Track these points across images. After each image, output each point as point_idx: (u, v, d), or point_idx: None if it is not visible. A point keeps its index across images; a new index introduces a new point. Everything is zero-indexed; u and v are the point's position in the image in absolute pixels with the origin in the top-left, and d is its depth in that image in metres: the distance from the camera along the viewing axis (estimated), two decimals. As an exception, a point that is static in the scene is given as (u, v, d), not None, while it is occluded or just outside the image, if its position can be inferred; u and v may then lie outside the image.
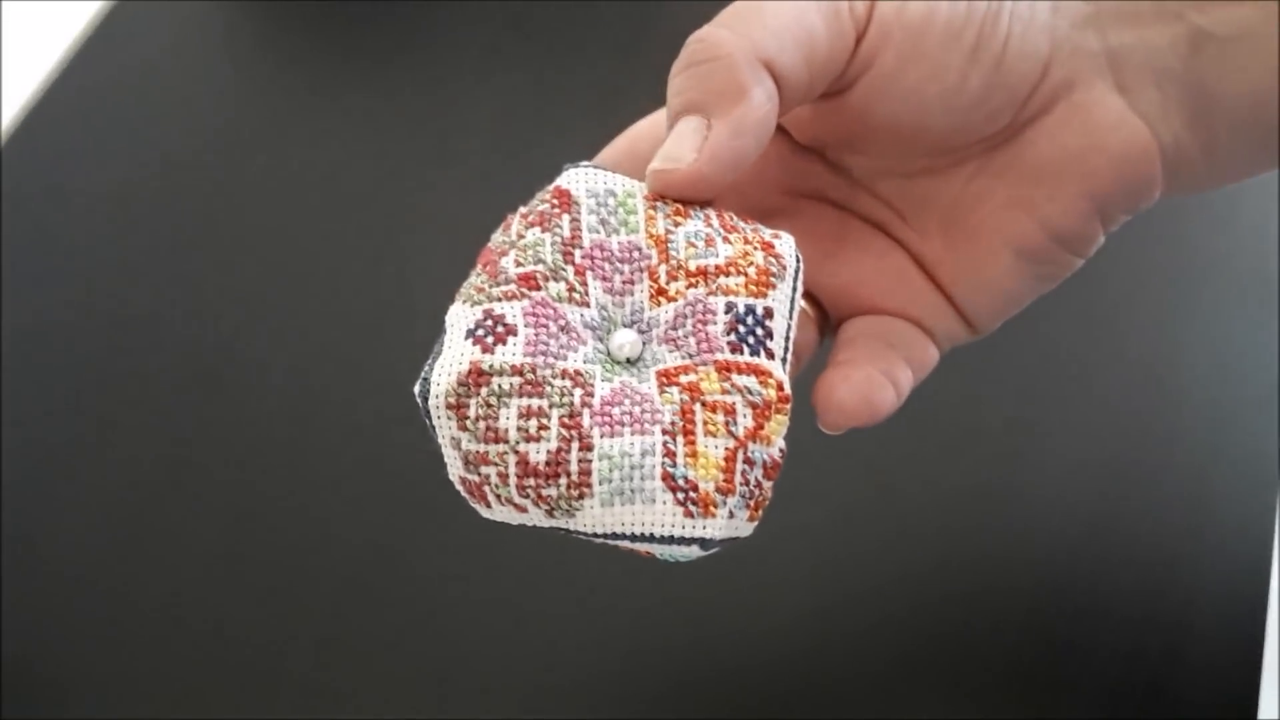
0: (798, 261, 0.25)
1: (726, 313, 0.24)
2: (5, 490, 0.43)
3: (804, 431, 0.26)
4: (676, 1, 0.56)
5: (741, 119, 0.24)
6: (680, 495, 0.22)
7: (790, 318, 0.25)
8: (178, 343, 0.47)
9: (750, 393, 0.23)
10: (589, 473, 0.22)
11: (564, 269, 0.24)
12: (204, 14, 0.59)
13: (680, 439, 0.22)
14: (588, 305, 0.24)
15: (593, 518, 0.22)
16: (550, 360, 0.23)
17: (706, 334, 0.23)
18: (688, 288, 0.24)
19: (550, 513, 0.22)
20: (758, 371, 0.23)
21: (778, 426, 0.23)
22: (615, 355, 0.24)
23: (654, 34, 0.56)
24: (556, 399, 0.22)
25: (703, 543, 0.22)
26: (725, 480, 0.22)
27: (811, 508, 0.41)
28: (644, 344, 0.24)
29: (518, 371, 0.22)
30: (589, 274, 0.24)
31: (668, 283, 0.24)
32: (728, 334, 0.23)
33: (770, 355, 0.24)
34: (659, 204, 0.25)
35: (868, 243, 0.29)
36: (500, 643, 0.39)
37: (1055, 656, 0.38)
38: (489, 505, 0.23)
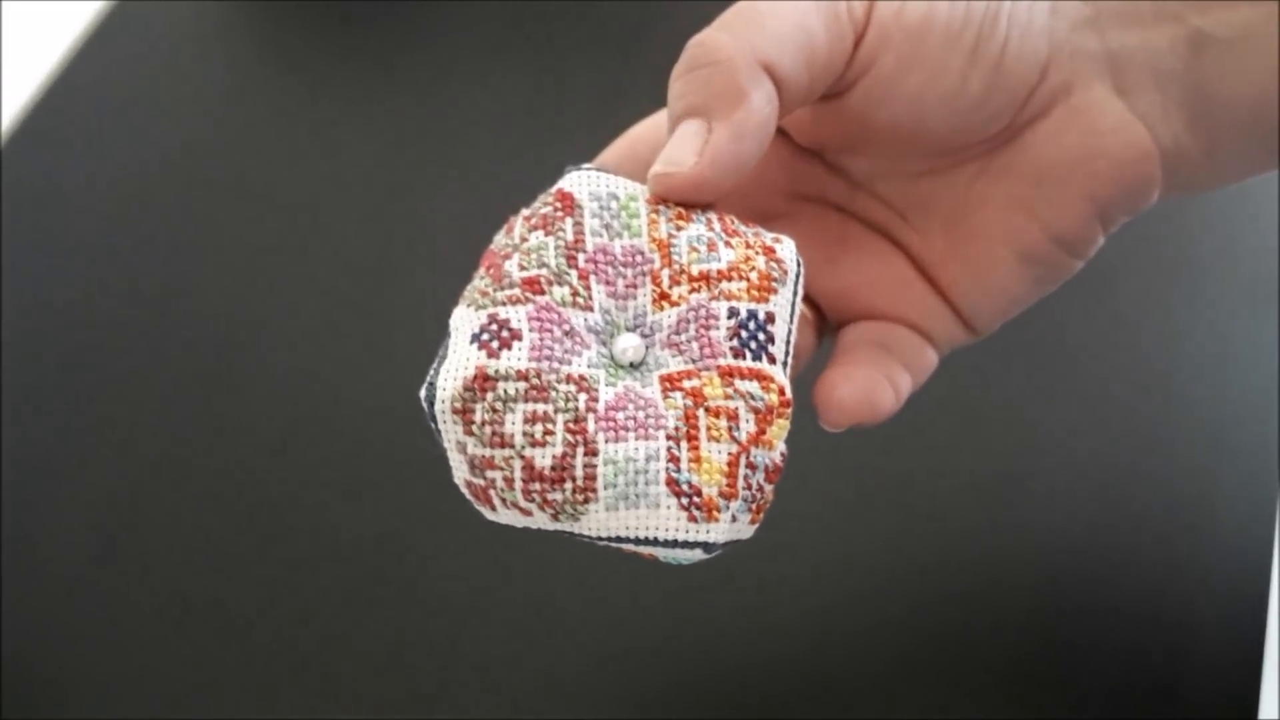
0: (798, 266, 0.25)
1: (729, 318, 0.24)
2: (5, 490, 0.43)
3: (805, 431, 0.26)
4: (676, 2, 0.56)
5: (742, 122, 0.24)
6: (684, 500, 0.22)
7: (791, 322, 0.25)
8: (178, 343, 0.47)
9: (753, 398, 0.23)
10: (594, 477, 0.22)
11: (567, 273, 0.24)
12: (204, 14, 0.59)
13: (684, 444, 0.23)
14: (591, 309, 0.24)
15: (597, 522, 0.22)
16: (555, 365, 0.23)
17: (709, 339, 0.24)
18: (690, 292, 0.24)
19: (555, 517, 0.23)
20: (760, 376, 0.23)
21: (779, 431, 0.23)
22: (619, 359, 0.24)
23: (654, 34, 0.56)
24: (561, 404, 0.22)
25: (706, 546, 0.23)
26: (728, 485, 0.23)
27: (812, 507, 0.41)
28: (647, 348, 0.24)
29: (523, 376, 0.22)
30: (592, 278, 0.24)
31: (670, 287, 0.24)
32: (730, 339, 0.24)
33: (772, 360, 0.24)
34: (661, 207, 0.25)
35: (868, 247, 0.30)
36: (502, 642, 0.39)
37: (1055, 656, 0.38)
38: (494, 508, 0.23)
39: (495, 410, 0.22)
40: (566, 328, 0.23)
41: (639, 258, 0.24)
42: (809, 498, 0.41)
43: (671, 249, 0.24)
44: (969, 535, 0.40)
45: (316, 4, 0.59)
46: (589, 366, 0.23)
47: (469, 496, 0.24)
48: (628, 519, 0.22)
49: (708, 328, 0.24)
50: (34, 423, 0.45)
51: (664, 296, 0.24)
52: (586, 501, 0.22)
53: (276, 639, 0.39)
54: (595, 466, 0.22)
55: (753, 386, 0.23)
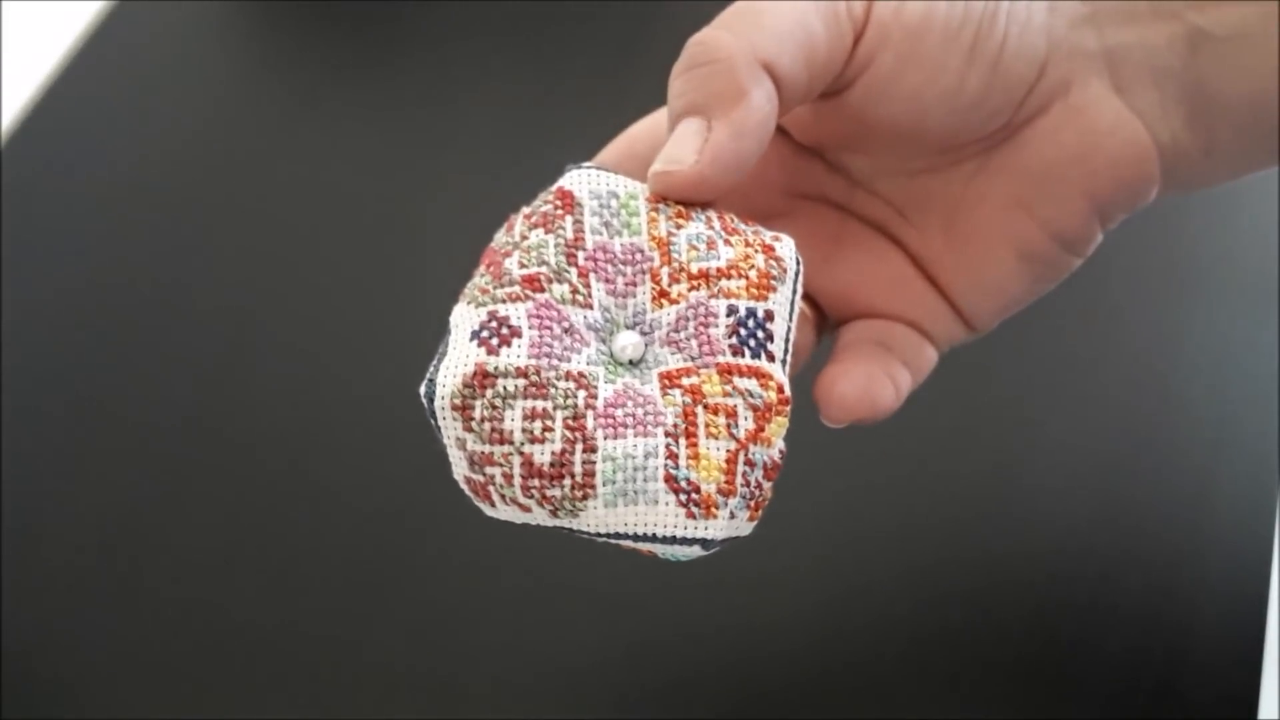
0: (798, 264, 0.25)
1: (728, 316, 0.24)
2: (5, 488, 0.43)
3: (805, 428, 0.26)
4: (676, 2, 0.56)
5: (742, 120, 0.24)
6: (682, 496, 0.22)
7: (790, 320, 0.25)
8: (178, 342, 0.47)
9: (751, 395, 0.23)
10: (593, 474, 0.22)
11: (567, 271, 0.24)
12: (204, 14, 0.59)
13: (683, 441, 0.23)
14: (591, 307, 0.24)
15: (596, 518, 0.23)
16: (554, 362, 0.23)
17: (708, 336, 0.24)
18: (690, 290, 0.24)
19: (554, 513, 0.23)
20: (759, 374, 0.23)
21: (778, 428, 0.23)
22: (618, 357, 0.24)
23: (654, 34, 0.56)
24: (560, 401, 0.23)
25: (704, 543, 0.23)
26: (727, 482, 0.23)
27: (814, 505, 0.41)
28: (646, 346, 0.24)
29: (522, 373, 0.23)
30: (592, 276, 0.24)
31: (670, 285, 0.24)
32: (729, 337, 0.24)
33: (771, 358, 0.24)
34: (661, 206, 0.25)
35: (867, 245, 0.30)
36: (502, 637, 0.39)
37: (1055, 655, 0.38)
38: (493, 505, 0.23)
39: (494, 407, 0.22)
40: (566, 325, 0.23)
41: (639, 255, 0.24)
42: (808, 495, 0.41)
43: (671, 247, 0.24)
44: (969, 533, 0.40)
45: (317, 4, 0.59)
46: (588, 364, 0.23)
47: (468, 493, 0.24)
48: (626, 515, 0.22)
49: (707, 325, 0.24)
50: (35, 421, 0.45)
51: (663, 294, 0.24)
52: (585, 498, 0.22)
53: (277, 639, 0.39)
54: (594, 463, 0.22)
55: (751, 384, 0.23)
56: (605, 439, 0.22)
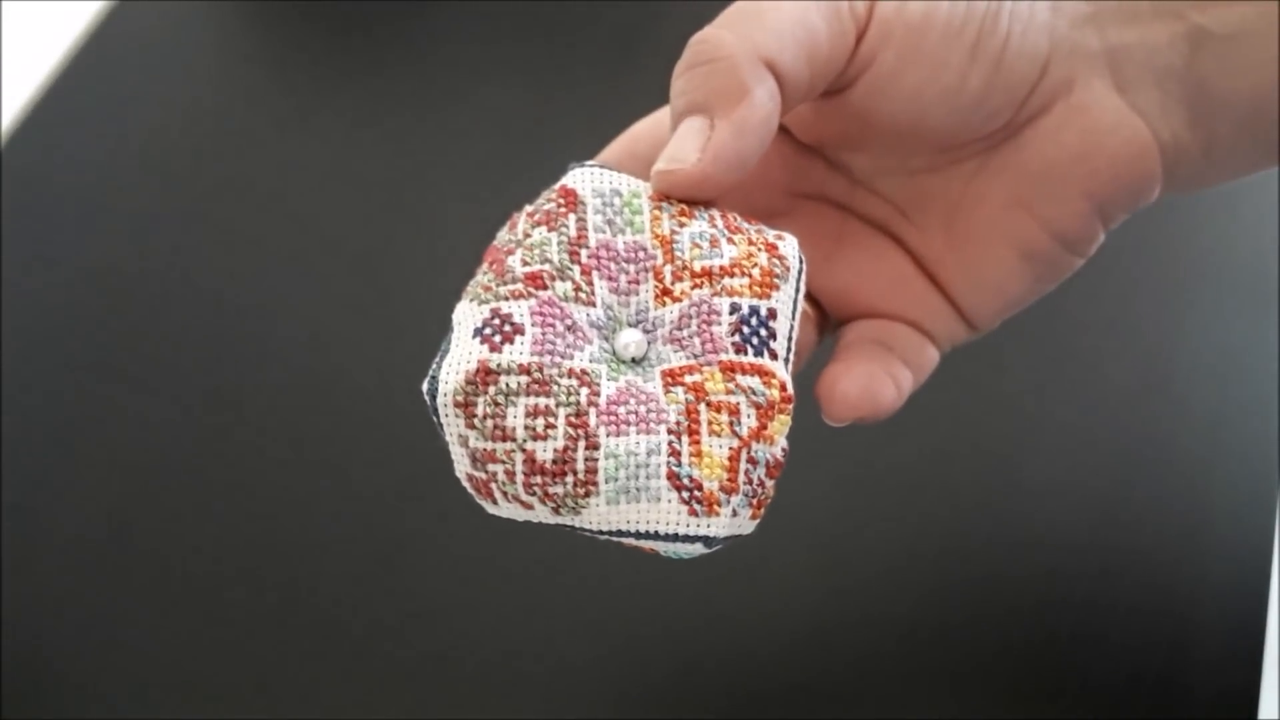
0: (801, 263, 0.25)
1: (731, 314, 0.24)
2: (5, 488, 0.43)
3: (807, 426, 0.26)
4: (676, 1, 0.56)
5: (744, 119, 0.24)
6: (685, 494, 0.22)
7: (793, 318, 0.25)
8: (178, 342, 0.47)
9: (754, 393, 0.23)
10: (595, 471, 0.22)
11: (570, 268, 0.24)
12: (204, 14, 0.59)
13: (685, 438, 0.23)
14: (593, 305, 0.24)
15: (598, 515, 0.22)
16: (557, 359, 0.23)
17: (711, 334, 0.24)
18: (692, 288, 0.24)
19: (556, 510, 0.23)
20: (761, 372, 0.23)
21: (780, 426, 0.23)
22: (621, 355, 0.24)
23: (654, 34, 0.56)
24: (563, 398, 0.23)
25: (706, 541, 0.23)
26: (729, 479, 0.23)
27: (815, 500, 0.41)
28: (649, 344, 0.24)
29: (525, 370, 0.23)
30: (595, 274, 0.24)
31: (673, 283, 0.24)
32: (732, 335, 0.24)
33: (774, 356, 0.24)
34: (664, 204, 0.25)
35: (868, 245, 0.30)
36: (504, 633, 0.39)
37: (1056, 652, 0.38)
38: (495, 502, 0.23)
39: (497, 404, 0.22)
40: (569, 323, 0.23)
41: (641, 254, 0.24)
42: (811, 493, 0.41)
43: (674, 245, 0.24)
44: (970, 531, 0.40)
45: (317, 4, 0.59)
46: (591, 361, 0.23)
47: (470, 490, 0.24)
48: (628, 513, 0.22)
49: (710, 323, 0.24)
50: (35, 420, 0.45)
51: (666, 292, 0.24)
52: (587, 495, 0.22)
53: (278, 638, 0.39)
54: (596, 460, 0.22)
55: (754, 382, 0.23)
56: (608, 436, 0.22)
